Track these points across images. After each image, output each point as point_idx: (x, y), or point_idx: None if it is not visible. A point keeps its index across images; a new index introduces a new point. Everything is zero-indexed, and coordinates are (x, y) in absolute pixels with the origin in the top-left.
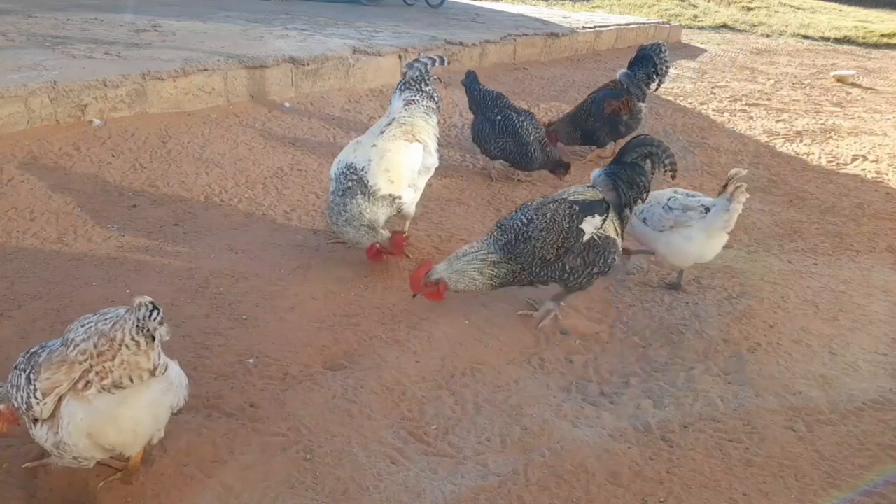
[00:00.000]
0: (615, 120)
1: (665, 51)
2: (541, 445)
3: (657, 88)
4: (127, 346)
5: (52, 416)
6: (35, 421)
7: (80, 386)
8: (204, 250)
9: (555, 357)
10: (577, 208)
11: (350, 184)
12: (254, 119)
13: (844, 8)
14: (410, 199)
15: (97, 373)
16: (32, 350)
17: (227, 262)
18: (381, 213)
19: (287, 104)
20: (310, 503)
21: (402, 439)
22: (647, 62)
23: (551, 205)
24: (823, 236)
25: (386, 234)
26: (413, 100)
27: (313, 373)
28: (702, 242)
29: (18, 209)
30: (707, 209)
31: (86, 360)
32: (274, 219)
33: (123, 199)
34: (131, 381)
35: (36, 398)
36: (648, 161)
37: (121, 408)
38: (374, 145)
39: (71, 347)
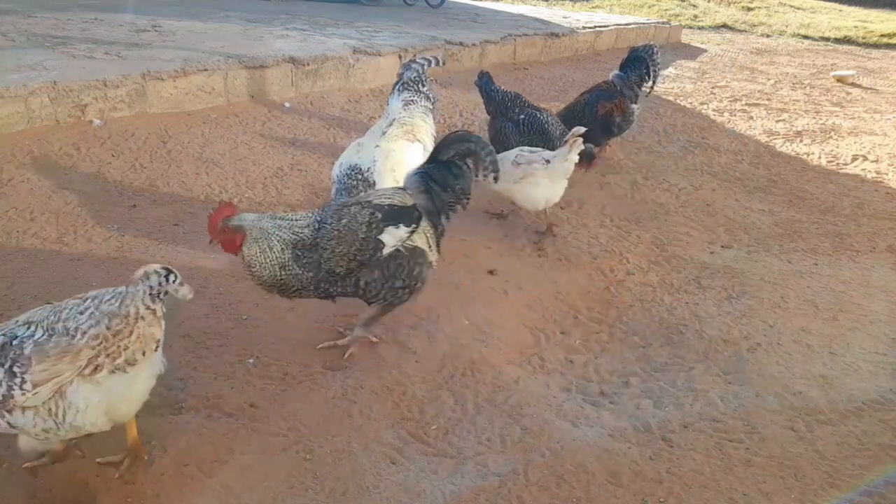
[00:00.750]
0: (608, 121)
1: (657, 53)
2: (541, 445)
3: (650, 91)
4: (143, 318)
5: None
6: (10, 410)
7: (87, 371)
8: (204, 250)
9: (555, 357)
10: (380, 216)
11: (354, 182)
12: (254, 119)
13: (844, 8)
14: None
15: (109, 354)
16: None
17: (227, 262)
18: None
19: (287, 104)
20: (310, 503)
21: (402, 439)
22: (640, 64)
23: (352, 208)
24: (823, 236)
25: None
26: (412, 100)
27: (313, 373)
28: (547, 187)
29: (18, 209)
30: (548, 161)
31: (98, 345)
32: None
33: (123, 199)
34: (143, 355)
35: (23, 389)
36: (468, 160)
37: (131, 383)
38: (377, 146)
39: (78, 336)
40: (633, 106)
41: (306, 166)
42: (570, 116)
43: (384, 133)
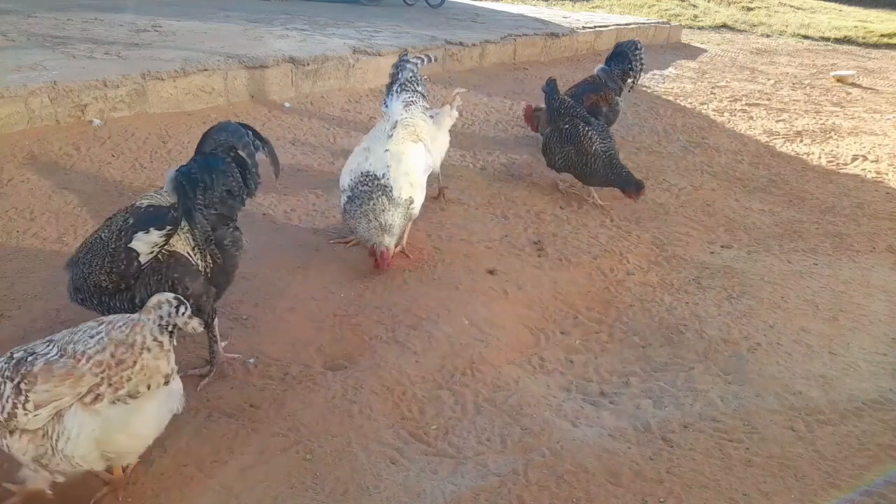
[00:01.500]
0: (595, 112)
1: (640, 48)
2: (541, 445)
3: (634, 84)
4: (149, 349)
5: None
6: (11, 431)
7: (87, 399)
8: None
9: (555, 357)
10: (131, 221)
11: (369, 188)
12: (254, 119)
13: (844, 8)
14: (419, 200)
15: (111, 384)
16: (18, 356)
17: None
18: (398, 218)
19: (287, 104)
20: (310, 503)
21: (402, 439)
22: (623, 58)
23: (118, 216)
24: (823, 236)
25: (388, 241)
26: (412, 101)
27: (313, 373)
28: (437, 142)
29: (18, 209)
30: (432, 117)
31: (101, 373)
32: (274, 219)
33: (123, 199)
34: (147, 388)
35: (25, 409)
36: (235, 154)
37: (132, 416)
38: (386, 150)
39: (83, 360)
40: (618, 98)
41: (306, 166)
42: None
43: (390, 136)
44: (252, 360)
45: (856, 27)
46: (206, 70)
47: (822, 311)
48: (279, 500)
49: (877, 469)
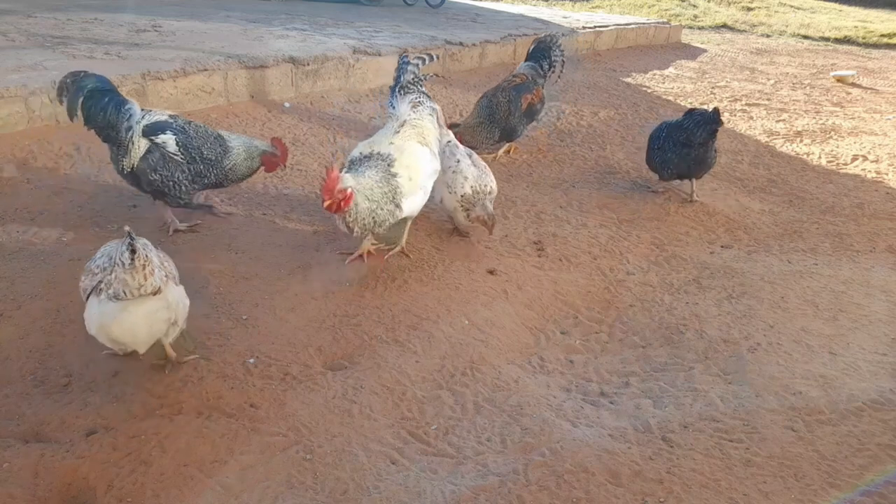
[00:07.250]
0: (532, 111)
1: (559, 41)
2: (541, 445)
3: (559, 77)
4: (122, 264)
5: None
6: None
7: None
8: (204, 250)
9: (555, 357)
10: None
11: (368, 157)
12: (254, 119)
13: (844, 8)
14: (419, 203)
15: (105, 282)
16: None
17: (227, 262)
18: (377, 184)
19: (287, 104)
20: (310, 503)
21: (402, 439)
22: (545, 53)
23: None
24: (823, 236)
25: (351, 183)
26: (419, 101)
27: (313, 373)
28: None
29: (18, 209)
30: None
31: (98, 273)
32: (274, 219)
33: (123, 199)
34: (125, 294)
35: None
36: None
37: (121, 313)
38: (391, 143)
39: (91, 262)
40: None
41: (306, 166)
42: (495, 118)
43: (397, 132)
44: (252, 360)
45: (856, 27)
46: (206, 70)
47: (822, 311)
48: (279, 500)
49: (877, 469)
